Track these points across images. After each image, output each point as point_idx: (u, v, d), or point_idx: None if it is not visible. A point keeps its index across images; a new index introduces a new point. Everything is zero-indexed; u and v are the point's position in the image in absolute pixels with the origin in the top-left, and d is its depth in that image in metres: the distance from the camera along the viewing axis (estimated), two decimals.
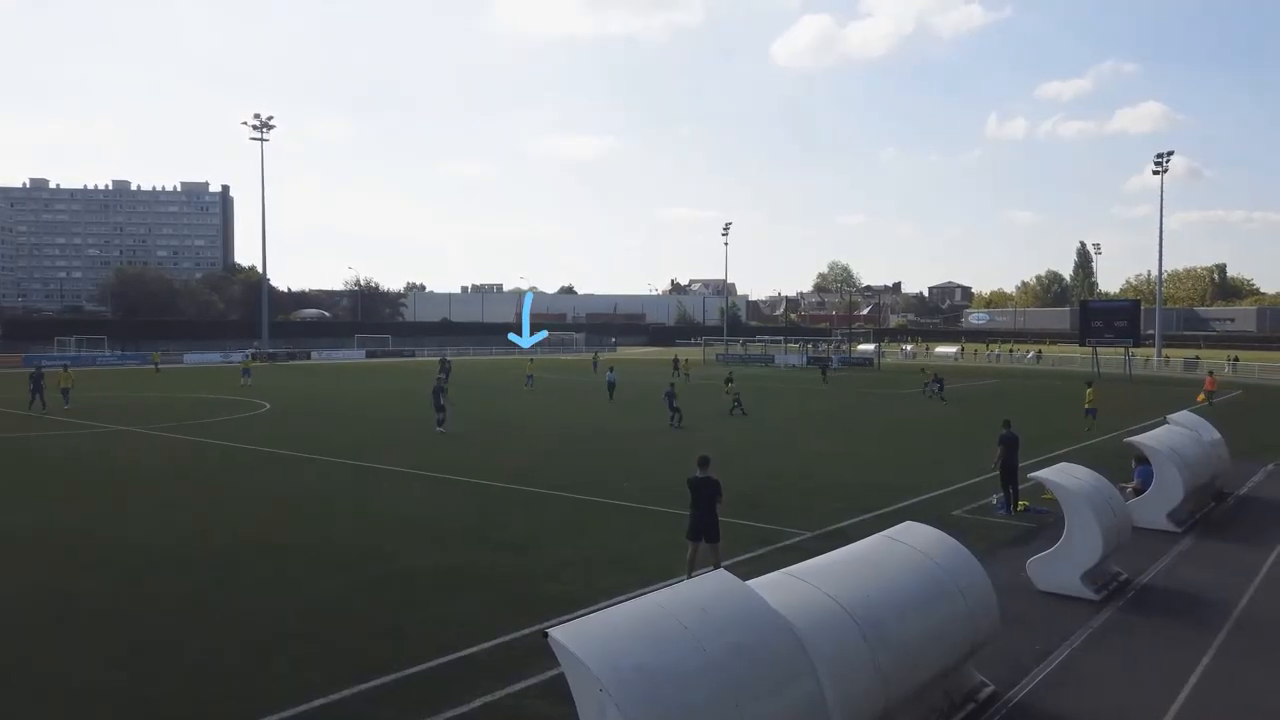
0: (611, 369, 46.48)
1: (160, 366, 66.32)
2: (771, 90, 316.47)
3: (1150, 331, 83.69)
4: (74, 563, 13.65)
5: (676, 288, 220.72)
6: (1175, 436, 17.64)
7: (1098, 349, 61.73)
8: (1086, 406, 29.73)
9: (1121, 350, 61.85)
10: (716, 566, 11.51)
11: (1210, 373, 46.19)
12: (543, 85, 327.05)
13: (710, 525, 11.96)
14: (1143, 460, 17.24)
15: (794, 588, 7.36)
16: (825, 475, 21.88)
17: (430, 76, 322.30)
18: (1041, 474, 13.00)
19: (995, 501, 17.82)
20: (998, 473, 17.37)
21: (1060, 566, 12.25)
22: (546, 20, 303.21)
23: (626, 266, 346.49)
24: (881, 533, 9.25)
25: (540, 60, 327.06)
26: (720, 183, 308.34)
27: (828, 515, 16.82)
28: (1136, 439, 17.05)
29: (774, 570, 7.94)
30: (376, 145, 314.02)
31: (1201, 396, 35.95)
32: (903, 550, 8.72)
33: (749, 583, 6.99)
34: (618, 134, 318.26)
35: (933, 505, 17.75)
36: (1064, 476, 12.70)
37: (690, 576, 11.07)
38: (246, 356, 63.54)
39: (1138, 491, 16.91)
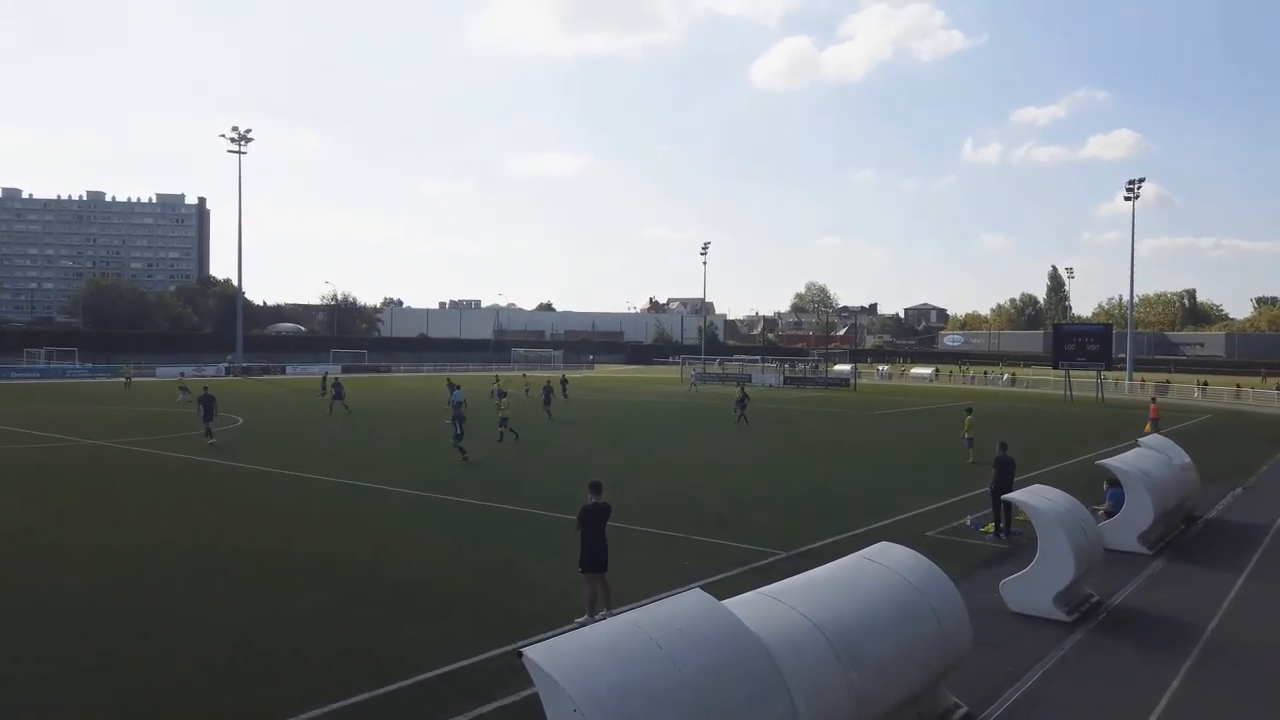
0: (458, 386, 32.62)
1: (132, 381, 62.34)
2: (749, 111, 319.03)
3: (1122, 355, 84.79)
4: (37, 566, 13.43)
5: (655, 306, 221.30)
6: (1146, 460, 17.84)
7: (1070, 372, 62.42)
8: (966, 435, 27.90)
9: (1094, 374, 62.57)
10: (609, 596, 11.34)
11: (1153, 399, 43.00)
12: (521, 104, 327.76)
13: (605, 554, 11.34)
14: (1114, 483, 17.40)
15: (769, 607, 7.37)
16: (799, 495, 21.95)
17: (409, 93, 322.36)
18: (1014, 495, 13.09)
19: (969, 522, 17.93)
20: (989, 494, 17.36)
21: (1033, 588, 12.33)
22: (525, 41, 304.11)
23: (605, 285, 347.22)
24: (856, 553, 9.28)
25: (519, 79, 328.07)
26: (699, 202, 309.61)
27: (803, 535, 16.85)
28: (1108, 461, 17.22)
29: (749, 590, 7.95)
30: (355, 160, 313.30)
31: (1148, 426, 35.15)
32: (877, 570, 8.76)
33: (724, 602, 6.99)
34: (596, 153, 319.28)
35: (907, 525, 17.83)
36: (1036, 498, 12.81)
37: (593, 617, 10.83)
38: (180, 375, 58.78)
39: (1109, 514, 17.05)
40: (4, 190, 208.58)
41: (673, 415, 46.12)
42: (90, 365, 74.32)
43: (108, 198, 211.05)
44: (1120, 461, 17.13)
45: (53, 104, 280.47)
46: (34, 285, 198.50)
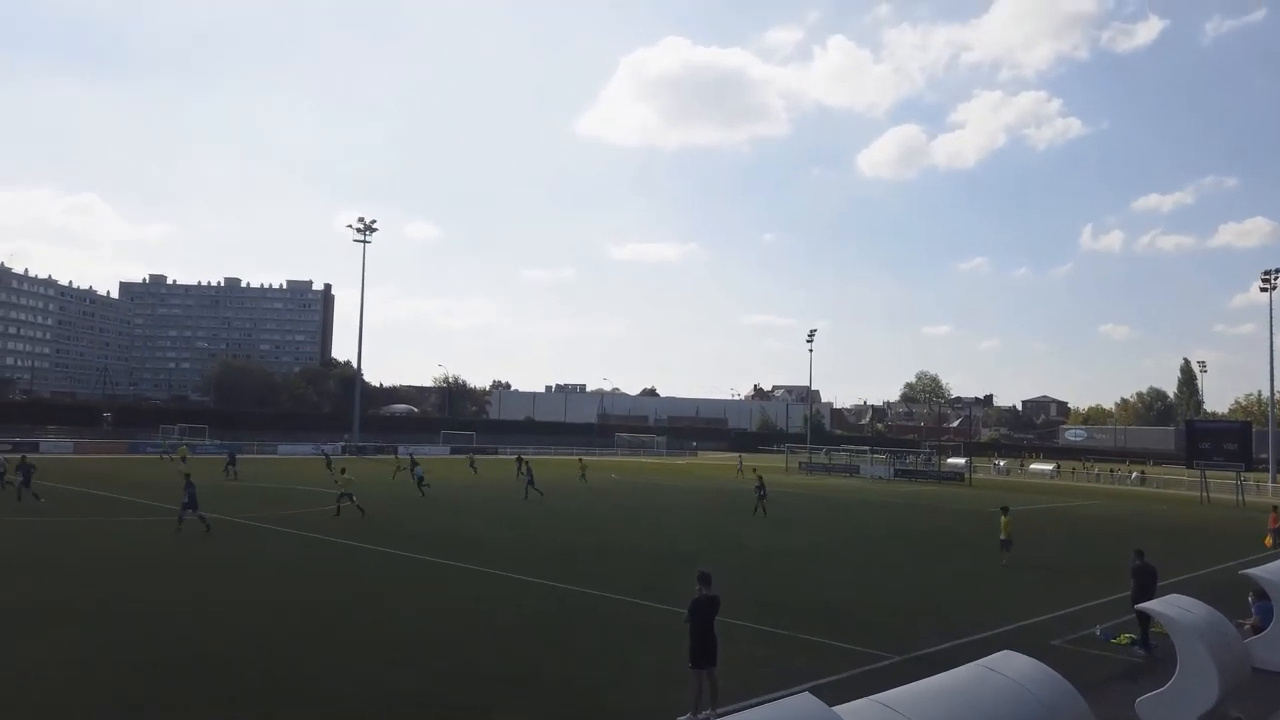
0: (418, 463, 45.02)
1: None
2: (857, 200, 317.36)
3: (1264, 455, 79.44)
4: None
5: (759, 393, 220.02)
6: None
7: (1206, 472, 58.76)
8: (1002, 537, 26.23)
9: (1233, 474, 58.73)
10: (715, 694, 10.96)
11: (1275, 507, 35.59)
12: (627, 193, 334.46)
13: (715, 648, 11.10)
14: (1261, 595, 16.06)
15: (883, 717, 6.98)
16: (915, 595, 21.02)
17: (517, 184, 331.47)
18: (1149, 605, 12.22)
19: (1099, 633, 16.79)
20: (1129, 602, 16.22)
21: (1172, 708, 11.35)
22: (631, 133, 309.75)
23: (709, 371, 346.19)
24: (976, 661, 8.76)
25: (625, 170, 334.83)
26: (804, 290, 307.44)
27: (918, 638, 16.07)
28: (1254, 571, 15.93)
29: (861, 696, 7.56)
30: (466, 247, 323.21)
31: (1268, 539, 31.20)
32: (999, 681, 8.22)
33: (835, 708, 6.66)
34: (700, 240, 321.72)
35: (1030, 632, 16.81)
36: (1173, 609, 11.90)
37: (696, 716, 10.47)
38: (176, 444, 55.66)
39: (1256, 629, 15.72)
40: (150, 277, 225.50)
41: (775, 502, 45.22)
42: (218, 442, 78.13)
43: (243, 284, 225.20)
44: (1268, 572, 15.82)
45: (196, 198, 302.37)
46: (172, 365, 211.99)
